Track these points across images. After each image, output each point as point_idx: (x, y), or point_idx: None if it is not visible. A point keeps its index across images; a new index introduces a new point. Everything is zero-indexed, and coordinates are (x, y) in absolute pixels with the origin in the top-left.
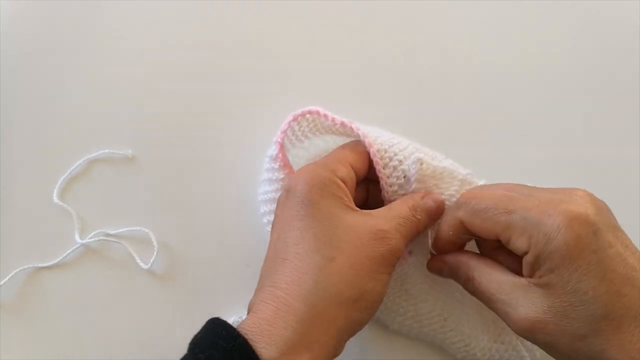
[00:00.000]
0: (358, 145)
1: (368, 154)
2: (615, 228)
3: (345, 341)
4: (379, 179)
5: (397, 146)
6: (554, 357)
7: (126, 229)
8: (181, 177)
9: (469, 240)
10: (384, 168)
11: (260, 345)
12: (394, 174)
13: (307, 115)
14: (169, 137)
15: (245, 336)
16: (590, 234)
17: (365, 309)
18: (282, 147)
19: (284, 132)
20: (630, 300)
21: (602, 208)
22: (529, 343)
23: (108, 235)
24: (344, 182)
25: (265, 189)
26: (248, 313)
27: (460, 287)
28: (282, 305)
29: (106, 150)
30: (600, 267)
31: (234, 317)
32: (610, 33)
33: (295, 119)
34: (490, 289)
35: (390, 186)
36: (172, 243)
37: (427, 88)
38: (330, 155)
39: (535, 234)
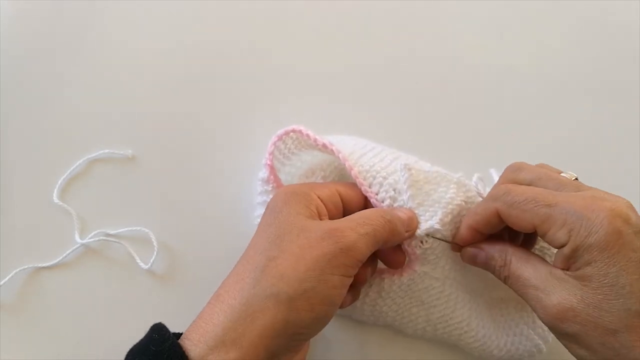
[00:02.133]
0: (352, 184)
1: (361, 189)
2: None
3: (285, 344)
4: (369, 199)
5: (378, 164)
6: (575, 350)
7: (126, 229)
8: (181, 177)
9: (497, 231)
10: (370, 187)
11: (191, 343)
12: (381, 190)
13: (291, 134)
14: (169, 137)
15: (183, 337)
16: (632, 234)
17: (306, 310)
18: (272, 168)
19: (271, 153)
20: None
21: (637, 213)
22: (541, 331)
23: (108, 235)
24: (321, 200)
25: (261, 211)
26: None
27: (469, 288)
28: (220, 304)
29: (106, 150)
30: (639, 265)
31: None
32: (611, 33)
33: (280, 139)
34: (526, 273)
35: (382, 201)
36: (172, 243)
37: (427, 88)
38: (323, 182)
39: (577, 226)
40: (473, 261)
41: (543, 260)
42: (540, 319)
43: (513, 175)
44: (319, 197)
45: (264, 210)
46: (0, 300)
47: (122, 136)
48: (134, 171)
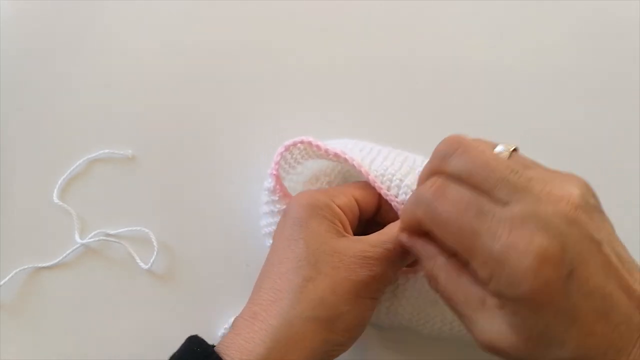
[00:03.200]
0: (364, 184)
1: (374, 190)
2: (597, 251)
3: None
4: (390, 202)
5: (391, 168)
6: None
7: (126, 229)
8: (181, 177)
9: None
10: (388, 190)
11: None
12: (400, 192)
13: (299, 145)
14: (169, 137)
15: (220, 352)
16: (564, 277)
17: (342, 332)
18: (278, 178)
19: (277, 163)
20: (601, 340)
21: (592, 208)
22: None
23: (108, 235)
24: (342, 210)
25: (268, 220)
26: (230, 329)
27: None
28: (258, 322)
29: (106, 150)
30: (573, 311)
31: (232, 318)
32: (611, 33)
33: (287, 149)
34: (455, 298)
35: (403, 204)
36: (172, 243)
37: (428, 88)
38: (335, 187)
39: (498, 273)
40: (405, 250)
41: (473, 281)
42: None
43: (442, 163)
44: (340, 207)
45: (270, 219)
46: (0, 300)
47: (122, 136)
48: (134, 171)
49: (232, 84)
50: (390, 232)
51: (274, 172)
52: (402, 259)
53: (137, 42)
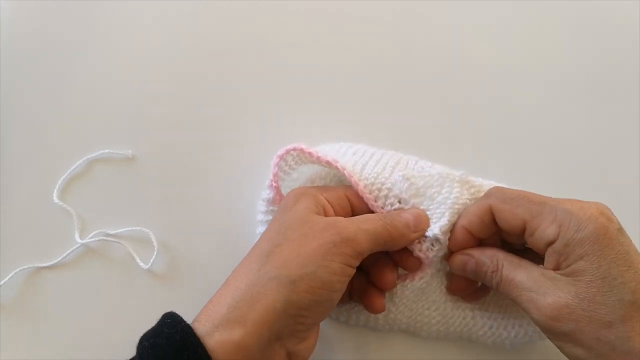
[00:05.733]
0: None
1: None
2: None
3: (287, 325)
4: (374, 212)
5: (382, 175)
6: (570, 349)
7: (126, 229)
8: (181, 177)
9: (487, 237)
10: (375, 201)
11: (199, 324)
12: (387, 202)
13: (292, 152)
14: (169, 137)
15: (192, 321)
16: (617, 229)
17: (305, 292)
18: (277, 190)
19: (276, 174)
20: None
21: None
22: None
23: (108, 235)
24: (329, 203)
25: (262, 229)
26: None
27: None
28: (227, 287)
29: (106, 150)
30: (627, 256)
31: None
32: (611, 33)
33: (281, 158)
34: (519, 277)
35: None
36: (172, 243)
37: (427, 88)
38: (330, 185)
39: (567, 222)
40: (462, 269)
41: (533, 263)
42: (535, 321)
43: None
44: (326, 199)
45: (265, 228)
46: (0, 300)
47: (122, 136)
48: (134, 171)
49: (231, 84)
50: (364, 215)
51: (274, 184)
52: (379, 232)
53: (138, 42)
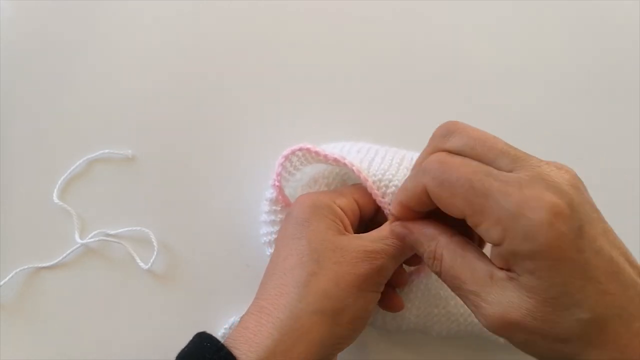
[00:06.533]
0: (363, 186)
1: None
2: (598, 219)
3: (326, 355)
4: (382, 209)
5: (389, 172)
6: (526, 352)
7: (126, 229)
8: (181, 177)
9: (430, 209)
10: (383, 197)
11: (241, 353)
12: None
13: (297, 152)
14: (169, 137)
15: (229, 346)
16: (575, 231)
17: (347, 324)
18: (280, 189)
19: (279, 174)
20: (615, 299)
21: (584, 194)
22: None
23: (108, 235)
24: (343, 210)
25: (268, 229)
26: (238, 324)
27: None
28: (265, 316)
29: (106, 150)
30: (586, 266)
31: (233, 318)
32: (611, 33)
33: (286, 159)
34: (462, 275)
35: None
36: (172, 243)
37: (427, 88)
38: (336, 189)
39: (513, 228)
40: (402, 240)
41: (482, 254)
42: (481, 323)
43: (442, 142)
44: (340, 208)
45: (270, 228)
46: (0, 300)
47: (122, 136)
48: (134, 171)
49: (231, 84)
50: (388, 228)
51: (277, 184)
52: (401, 252)
53: (138, 42)
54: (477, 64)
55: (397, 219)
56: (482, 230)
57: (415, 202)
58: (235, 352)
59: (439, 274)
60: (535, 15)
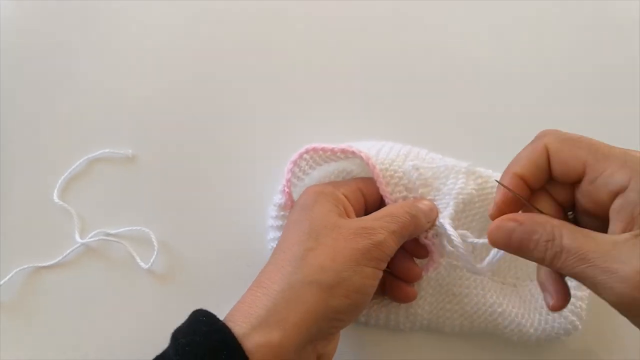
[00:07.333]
0: (368, 178)
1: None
2: None
3: (324, 328)
4: (383, 197)
5: (396, 162)
6: None
7: (126, 228)
8: (181, 176)
9: (539, 187)
10: (386, 186)
11: (235, 324)
12: (396, 190)
13: (305, 155)
14: (169, 137)
15: (226, 319)
16: None
17: (343, 297)
18: (289, 195)
19: (289, 180)
20: None
21: None
22: (574, 308)
23: (108, 235)
24: (346, 198)
25: (276, 235)
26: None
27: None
28: (261, 289)
29: (106, 150)
30: None
31: None
32: (611, 33)
33: (295, 164)
34: (587, 246)
35: (395, 201)
36: (172, 243)
37: (428, 88)
38: (341, 180)
39: None
40: (507, 239)
41: (595, 231)
42: (613, 299)
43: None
44: (344, 195)
45: (278, 233)
46: (0, 300)
47: (122, 136)
48: (134, 171)
49: (231, 84)
50: (389, 208)
51: (286, 190)
52: (402, 228)
53: (138, 41)
54: (478, 64)
55: (504, 204)
56: (604, 177)
57: (530, 170)
58: (230, 325)
59: (554, 258)
60: (536, 16)
